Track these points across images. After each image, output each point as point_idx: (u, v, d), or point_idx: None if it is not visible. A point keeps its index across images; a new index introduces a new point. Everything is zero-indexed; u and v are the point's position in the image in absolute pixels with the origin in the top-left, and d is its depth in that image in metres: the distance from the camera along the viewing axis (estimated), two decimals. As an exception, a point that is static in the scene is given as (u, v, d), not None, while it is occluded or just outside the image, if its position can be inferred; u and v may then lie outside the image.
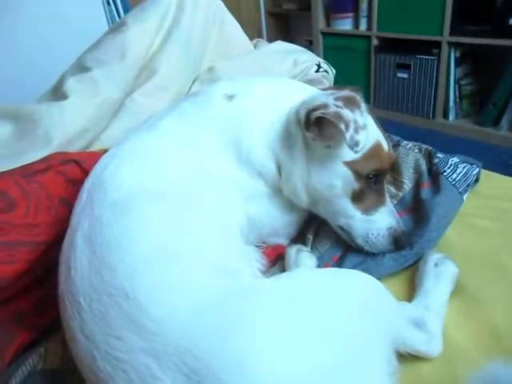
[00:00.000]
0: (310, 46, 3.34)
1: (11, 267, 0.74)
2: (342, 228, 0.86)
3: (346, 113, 0.71)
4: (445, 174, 0.95)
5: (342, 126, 0.70)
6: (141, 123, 0.85)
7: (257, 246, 0.86)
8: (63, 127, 0.98)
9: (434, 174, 0.97)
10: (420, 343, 0.65)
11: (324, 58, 1.51)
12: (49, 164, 0.85)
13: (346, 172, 0.80)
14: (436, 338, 0.67)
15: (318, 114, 0.73)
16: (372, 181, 0.82)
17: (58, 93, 1.09)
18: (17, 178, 0.79)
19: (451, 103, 2.76)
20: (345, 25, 3.17)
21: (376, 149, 0.82)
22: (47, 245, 0.79)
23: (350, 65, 3.16)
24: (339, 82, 1.53)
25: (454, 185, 0.94)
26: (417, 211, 0.92)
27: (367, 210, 0.84)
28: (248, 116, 0.82)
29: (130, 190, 0.68)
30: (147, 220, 0.65)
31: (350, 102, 0.74)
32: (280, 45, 1.52)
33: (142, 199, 0.67)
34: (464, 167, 0.99)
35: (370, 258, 0.84)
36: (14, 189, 0.78)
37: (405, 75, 2.92)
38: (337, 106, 0.72)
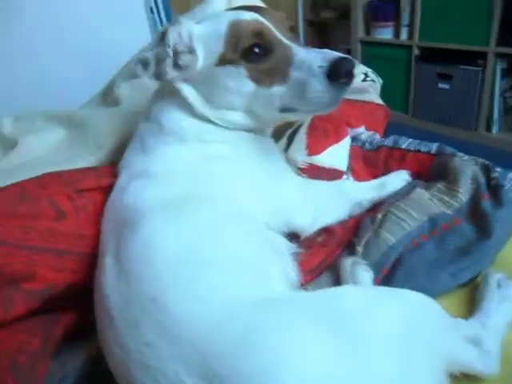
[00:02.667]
0: (347, 54, 3.31)
1: (60, 275, 0.76)
2: (286, 109, 0.80)
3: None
4: (505, 188, 0.92)
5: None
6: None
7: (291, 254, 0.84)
8: (114, 134, 0.99)
9: (494, 188, 0.94)
10: (475, 361, 0.63)
11: (363, 67, 1.48)
12: (99, 184, 0.87)
13: (226, 69, 0.78)
14: (492, 357, 0.64)
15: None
16: (258, 57, 0.77)
17: (109, 98, 1.11)
18: (69, 192, 0.82)
19: (495, 115, 2.68)
20: (385, 34, 3.13)
21: (232, 29, 0.77)
22: (94, 258, 0.80)
23: (390, 74, 3.10)
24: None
25: (513, 200, 0.91)
26: (476, 221, 0.89)
27: (282, 80, 0.77)
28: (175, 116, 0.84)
29: (148, 205, 0.71)
30: (166, 228, 0.68)
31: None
32: (325, 53, 1.50)
33: (157, 211, 0.70)
34: (523, 182, 0.95)
35: (423, 274, 0.81)
36: (66, 202, 0.81)
37: (446, 86, 2.85)
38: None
